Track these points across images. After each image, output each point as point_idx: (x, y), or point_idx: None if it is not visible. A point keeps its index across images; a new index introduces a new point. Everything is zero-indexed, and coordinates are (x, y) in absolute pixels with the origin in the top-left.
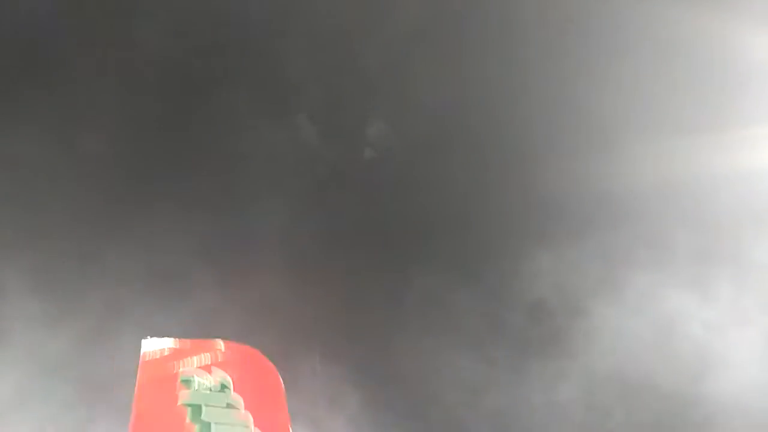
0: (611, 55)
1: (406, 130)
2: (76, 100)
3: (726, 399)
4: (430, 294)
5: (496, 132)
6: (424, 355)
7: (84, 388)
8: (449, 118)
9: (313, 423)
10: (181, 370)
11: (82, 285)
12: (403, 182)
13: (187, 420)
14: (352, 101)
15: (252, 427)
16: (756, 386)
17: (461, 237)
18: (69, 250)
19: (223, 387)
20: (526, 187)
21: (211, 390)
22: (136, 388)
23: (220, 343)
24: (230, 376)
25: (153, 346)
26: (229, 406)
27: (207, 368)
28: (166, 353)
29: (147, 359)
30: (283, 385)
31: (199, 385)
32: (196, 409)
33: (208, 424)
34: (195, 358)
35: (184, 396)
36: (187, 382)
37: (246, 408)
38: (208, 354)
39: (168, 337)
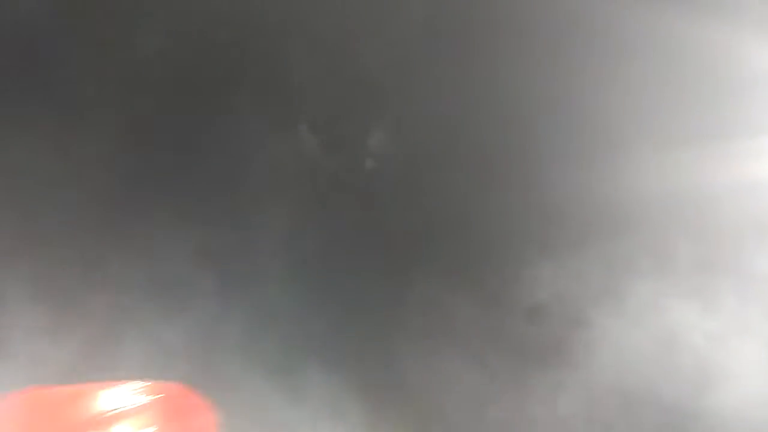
0: (617, 63)
1: (408, 140)
2: (75, 106)
3: (729, 411)
4: (430, 303)
5: (498, 141)
6: (424, 365)
7: None
8: (451, 129)
9: None
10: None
11: (83, 293)
12: (404, 193)
13: None
14: (353, 111)
15: None
16: (759, 398)
17: (463, 246)
18: (69, 258)
19: None
20: (528, 196)
21: None
22: None
23: (138, 385)
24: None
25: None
26: None
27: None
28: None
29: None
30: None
31: None
32: None
33: None
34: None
35: None
36: None
37: None
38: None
39: (172, 347)
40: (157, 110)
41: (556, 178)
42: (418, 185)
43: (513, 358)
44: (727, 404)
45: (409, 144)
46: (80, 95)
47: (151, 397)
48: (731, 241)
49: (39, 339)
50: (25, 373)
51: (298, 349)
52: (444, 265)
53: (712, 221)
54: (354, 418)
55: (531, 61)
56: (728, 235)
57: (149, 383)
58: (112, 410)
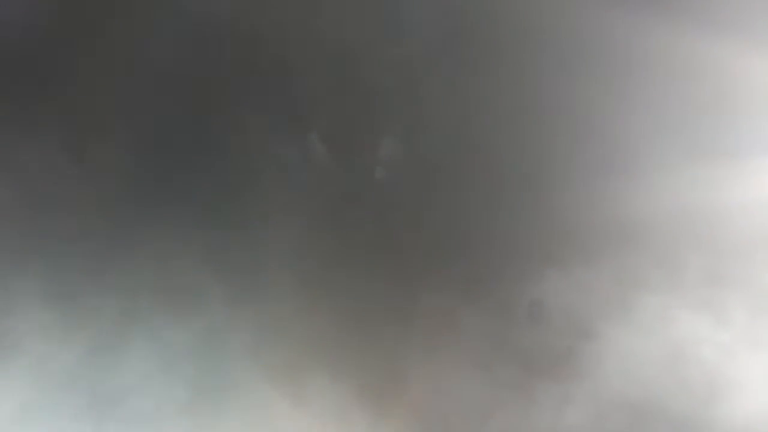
0: (630, 80)
1: (418, 150)
2: (91, 115)
3: (737, 423)
4: (438, 313)
5: (507, 152)
6: (431, 374)
7: (93, 400)
8: (460, 139)
9: None
10: None
11: (93, 296)
12: (413, 202)
13: None
14: (363, 121)
15: None
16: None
17: (471, 257)
18: (79, 262)
19: None
20: (538, 209)
21: None
22: None
23: None
24: None
25: None
26: None
27: None
28: None
29: None
30: None
31: None
32: None
33: None
34: None
35: None
36: None
37: None
38: None
39: (180, 351)
40: (169, 120)
41: (569, 193)
42: (428, 195)
43: (520, 369)
44: (735, 416)
45: (418, 154)
46: (95, 108)
47: None
48: (740, 255)
49: (48, 340)
50: (34, 372)
51: (304, 356)
52: (452, 276)
53: (721, 236)
54: (359, 425)
55: (544, 74)
56: (737, 250)
57: None
58: None
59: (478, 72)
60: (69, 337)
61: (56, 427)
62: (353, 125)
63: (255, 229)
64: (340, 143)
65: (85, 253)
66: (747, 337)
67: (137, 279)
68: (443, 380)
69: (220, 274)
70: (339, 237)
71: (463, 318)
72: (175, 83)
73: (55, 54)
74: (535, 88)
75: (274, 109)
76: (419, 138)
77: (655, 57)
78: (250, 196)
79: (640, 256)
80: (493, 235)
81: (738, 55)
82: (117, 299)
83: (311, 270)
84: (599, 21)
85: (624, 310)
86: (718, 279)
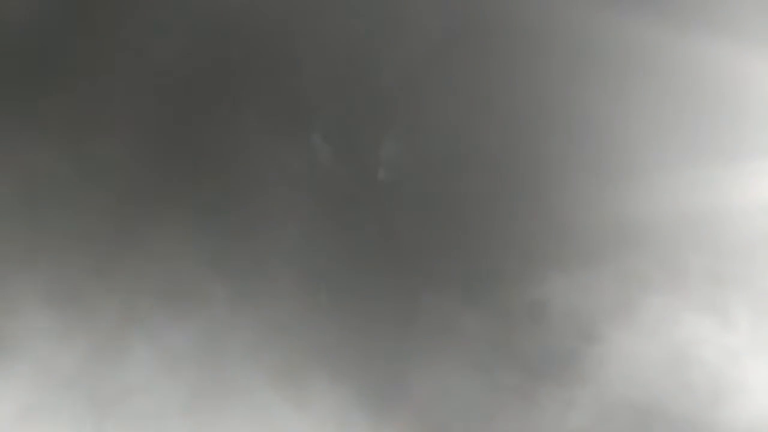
0: (632, 81)
1: (421, 151)
2: (90, 114)
3: (742, 427)
4: (440, 315)
5: (512, 154)
6: (432, 377)
7: (93, 403)
8: (464, 140)
9: None
10: None
11: (94, 297)
12: (417, 204)
13: None
14: (366, 121)
15: None
16: None
17: (474, 260)
18: (80, 263)
19: None
20: (541, 210)
21: None
22: None
23: None
24: None
25: None
26: None
27: None
28: None
29: None
30: None
31: None
32: None
33: None
34: None
35: None
36: None
37: None
38: None
39: (181, 353)
40: (170, 119)
41: (570, 194)
42: (430, 196)
43: (522, 372)
44: (739, 419)
45: (421, 154)
46: (96, 106)
47: None
48: (744, 257)
49: (48, 342)
50: (34, 376)
51: (306, 359)
52: (454, 278)
53: (724, 238)
54: (360, 427)
55: (546, 76)
56: (741, 252)
57: None
58: None
59: (480, 73)
60: (70, 339)
61: (57, 428)
62: (355, 126)
63: (257, 230)
64: (343, 144)
65: (87, 254)
66: (751, 339)
67: (139, 280)
68: (445, 382)
69: (222, 275)
70: (341, 238)
71: (464, 320)
72: (177, 84)
73: (57, 52)
74: (537, 90)
75: (277, 111)
76: (421, 139)
77: (656, 58)
78: (252, 198)
79: (642, 258)
80: (495, 236)
81: (738, 57)
82: (119, 300)
83: (313, 271)
84: (600, 22)
85: (627, 312)
86: (722, 281)
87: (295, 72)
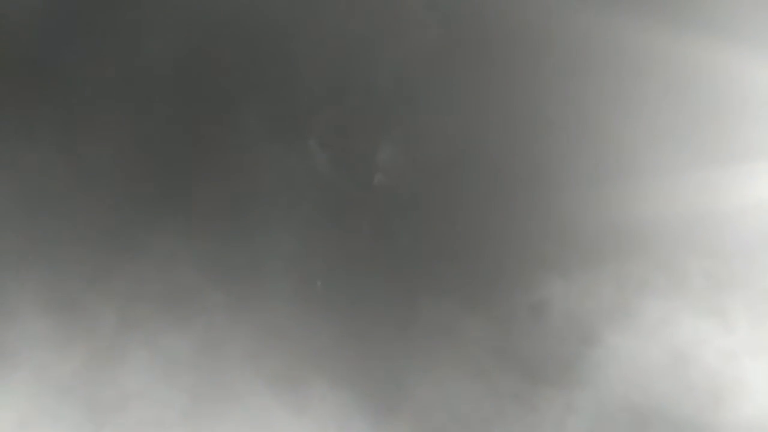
0: (630, 87)
1: (418, 155)
2: (89, 121)
3: (741, 427)
4: (439, 321)
5: (509, 158)
6: (431, 382)
7: (92, 410)
8: (462, 145)
9: None
10: None
11: (91, 304)
12: (413, 208)
13: None
14: (363, 127)
15: None
16: None
17: (472, 264)
18: (79, 271)
19: None
20: (539, 214)
21: None
22: None
23: None
24: None
25: None
26: None
27: None
28: None
29: None
30: None
31: None
32: None
33: None
34: None
35: None
36: None
37: None
38: None
39: (179, 358)
40: (168, 126)
41: (569, 197)
42: (428, 201)
43: (522, 377)
44: (739, 420)
45: (418, 159)
46: (94, 115)
47: None
48: (742, 259)
49: (46, 349)
50: (33, 383)
51: (305, 364)
52: (453, 282)
53: (723, 240)
54: (359, 431)
55: (546, 80)
56: (739, 254)
57: None
58: None
59: (477, 78)
60: (68, 346)
61: None
62: (352, 132)
63: (254, 236)
64: (340, 150)
65: (85, 261)
66: (750, 341)
67: (137, 286)
68: (444, 386)
69: (221, 281)
70: (339, 243)
71: (463, 324)
72: (175, 90)
73: (56, 55)
74: (535, 94)
75: (274, 117)
76: (418, 143)
77: (654, 62)
78: (250, 204)
79: (641, 261)
80: (494, 240)
81: (736, 60)
82: (117, 307)
83: (311, 276)
84: (598, 25)
85: (626, 315)
86: (720, 283)
87: (292, 78)
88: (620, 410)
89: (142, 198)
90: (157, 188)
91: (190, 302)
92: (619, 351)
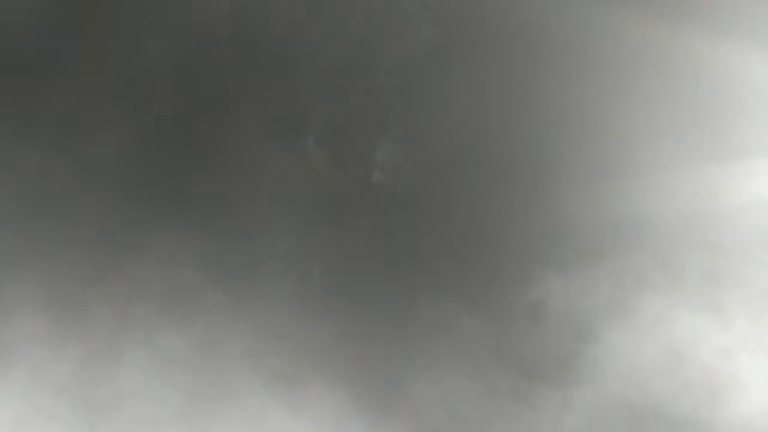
0: (628, 83)
1: (416, 153)
2: (87, 120)
3: (738, 425)
4: (437, 319)
5: (508, 156)
6: (430, 381)
7: (88, 408)
8: (459, 142)
9: None
10: None
11: (88, 303)
12: (411, 206)
13: None
14: (361, 125)
15: None
16: None
17: (470, 262)
18: (77, 270)
19: None
20: (537, 212)
21: None
22: None
23: None
24: None
25: None
26: None
27: None
28: None
29: None
30: None
31: None
32: None
33: None
34: None
35: None
36: None
37: None
38: None
39: (176, 357)
40: (167, 125)
41: (566, 194)
42: (426, 199)
43: (519, 374)
44: (736, 417)
45: (416, 157)
46: (92, 108)
47: None
48: (739, 256)
49: (43, 348)
50: (29, 382)
51: (302, 363)
52: (450, 280)
53: (720, 237)
54: (357, 430)
55: (543, 76)
56: (736, 251)
57: None
58: None
59: (475, 75)
60: (65, 345)
61: None
62: (350, 130)
63: (253, 234)
64: (338, 148)
65: (83, 260)
66: (747, 337)
67: (135, 285)
68: (442, 385)
69: (219, 280)
70: (337, 242)
71: (461, 322)
72: (174, 90)
73: (53, 53)
74: (533, 91)
75: (272, 115)
76: (416, 141)
77: (653, 59)
78: (248, 202)
79: (638, 258)
80: (492, 238)
81: (733, 57)
82: (115, 306)
83: (309, 275)
84: (597, 22)
85: (623, 312)
86: (717, 280)
87: (289, 76)
88: (617, 407)
89: (141, 197)
90: (156, 187)
91: (189, 302)
92: (616, 348)
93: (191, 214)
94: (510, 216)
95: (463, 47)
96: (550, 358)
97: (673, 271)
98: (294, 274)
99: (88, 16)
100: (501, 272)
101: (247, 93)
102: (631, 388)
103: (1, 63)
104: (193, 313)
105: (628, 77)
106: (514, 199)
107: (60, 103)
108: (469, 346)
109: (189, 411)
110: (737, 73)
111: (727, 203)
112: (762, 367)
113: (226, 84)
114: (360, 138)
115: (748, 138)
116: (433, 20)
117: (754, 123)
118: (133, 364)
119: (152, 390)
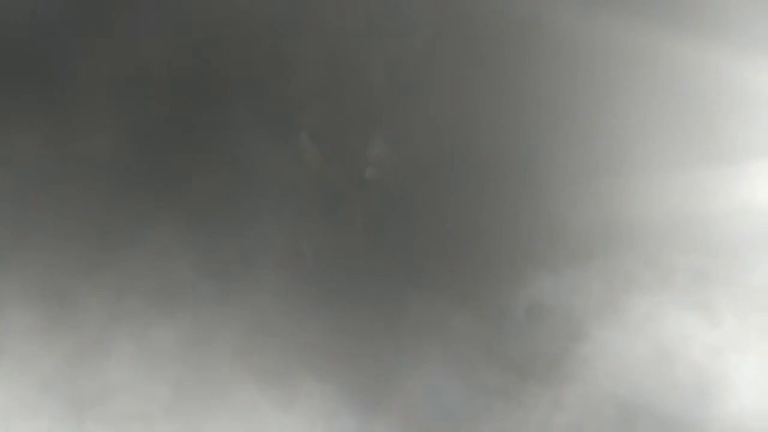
0: (619, 84)
1: (410, 150)
2: (79, 114)
3: (727, 423)
4: (427, 316)
5: (500, 154)
6: (421, 378)
7: (75, 402)
8: (453, 140)
9: None
10: None
11: (78, 298)
12: (404, 203)
13: None
14: (354, 120)
15: None
16: (757, 411)
17: (462, 260)
18: (66, 263)
19: None
20: (529, 211)
21: None
22: None
23: None
24: None
25: None
26: None
27: None
28: None
29: None
30: None
31: None
32: None
33: None
34: None
35: None
36: None
37: None
38: None
39: (166, 350)
40: (159, 119)
41: (557, 194)
42: (418, 196)
43: (510, 373)
44: (725, 416)
45: (410, 154)
46: (81, 106)
47: None
48: (728, 256)
49: (31, 341)
50: (16, 375)
51: (293, 358)
52: (441, 278)
53: (709, 237)
54: (347, 427)
55: (537, 75)
56: (725, 251)
57: None
58: None
59: (469, 73)
60: (54, 338)
61: (38, 427)
62: (344, 125)
63: (244, 229)
64: (331, 143)
65: (73, 253)
66: (736, 336)
67: (125, 279)
68: (432, 382)
69: (209, 273)
70: (328, 238)
71: (451, 320)
72: (167, 84)
73: (48, 52)
74: (526, 90)
75: (265, 110)
76: (410, 138)
77: (644, 61)
78: (240, 197)
79: (628, 257)
80: (483, 237)
81: (726, 60)
82: (104, 299)
83: (300, 270)
84: (591, 25)
85: (613, 311)
86: (706, 279)
87: (283, 71)
88: (607, 405)
89: (133, 191)
90: (149, 182)
91: (181, 296)
92: (606, 346)
93: (184, 209)
94: (502, 215)
95: (456, 46)
96: (541, 356)
97: (663, 271)
98: (285, 271)
99: (82, 16)
100: (493, 271)
101: (241, 88)
102: (621, 386)
103: None
104: (184, 308)
105: (619, 78)
106: (506, 198)
107: (54, 98)
108: (460, 344)
109: (178, 405)
110: (728, 75)
111: (716, 205)
112: (751, 366)
113: (219, 79)
114: (353, 134)
115: (737, 141)
116: (426, 19)
117: (744, 126)
118: (122, 358)
119: (141, 384)
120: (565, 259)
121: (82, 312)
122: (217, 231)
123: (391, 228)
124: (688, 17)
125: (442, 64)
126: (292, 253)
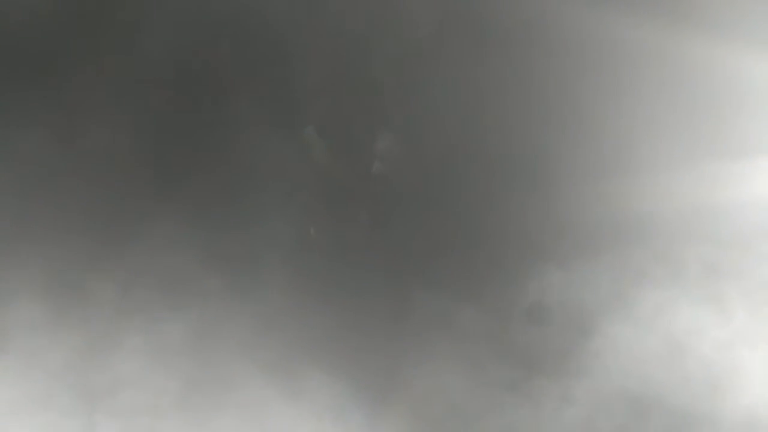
0: (629, 79)
1: (417, 145)
2: (86, 109)
3: (738, 417)
4: (436, 310)
5: (507, 148)
6: (429, 373)
7: (85, 395)
8: (460, 135)
9: None
10: None
11: (87, 292)
12: (411, 198)
13: None
14: (361, 115)
15: None
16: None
17: (469, 254)
18: (74, 257)
19: None
20: (538, 204)
21: None
22: None
23: None
24: None
25: None
26: None
27: None
28: None
29: None
30: None
31: None
32: None
33: None
34: None
35: None
36: None
37: None
38: None
39: (175, 345)
40: (166, 114)
41: (567, 188)
42: (425, 191)
43: (519, 368)
44: (736, 410)
45: (417, 149)
46: (89, 101)
47: None
48: (739, 250)
49: (40, 335)
50: (25, 369)
51: (300, 353)
52: (450, 272)
53: (720, 231)
54: (355, 421)
55: (545, 72)
56: (736, 245)
57: None
58: None
59: (478, 68)
60: (62, 332)
61: (47, 421)
62: (350, 119)
63: (252, 224)
64: (338, 137)
65: (81, 247)
66: (747, 330)
67: (133, 273)
68: (440, 376)
69: (217, 268)
70: (335, 233)
71: (460, 314)
72: (173, 79)
73: (52, 47)
74: (534, 85)
75: (271, 105)
76: (417, 133)
77: (653, 58)
78: (247, 192)
79: (639, 251)
80: (490, 231)
81: (732, 55)
82: (112, 293)
83: (308, 265)
84: (598, 22)
85: (623, 305)
86: (717, 273)
87: (289, 66)
88: (618, 400)
89: (141, 186)
90: (156, 176)
91: (188, 290)
92: (616, 341)
93: (191, 204)
94: (511, 210)
95: (464, 43)
96: (551, 351)
97: (673, 265)
98: (292, 266)
99: (85, 12)
100: (501, 266)
101: (247, 83)
102: (632, 380)
103: None
104: (192, 302)
105: (627, 75)
106: (514, 194)
107: (60, 92)
108: (468, 339)
109: (186, 399)
110: (735, 72)
111: (725, 200)
112: (762, 359)
113: (226, 75)
114: (360, 129)
115: (745, 136)
116: (434, 13)
117: (752, 121)
118: (130, 352)
119: (149, 378)
120: (574, 253)
121: (89, 306)
122: (224, 226)
123: (399, 223)
124: (695, 15)
125: (450, 60)
126: (298, 248)
